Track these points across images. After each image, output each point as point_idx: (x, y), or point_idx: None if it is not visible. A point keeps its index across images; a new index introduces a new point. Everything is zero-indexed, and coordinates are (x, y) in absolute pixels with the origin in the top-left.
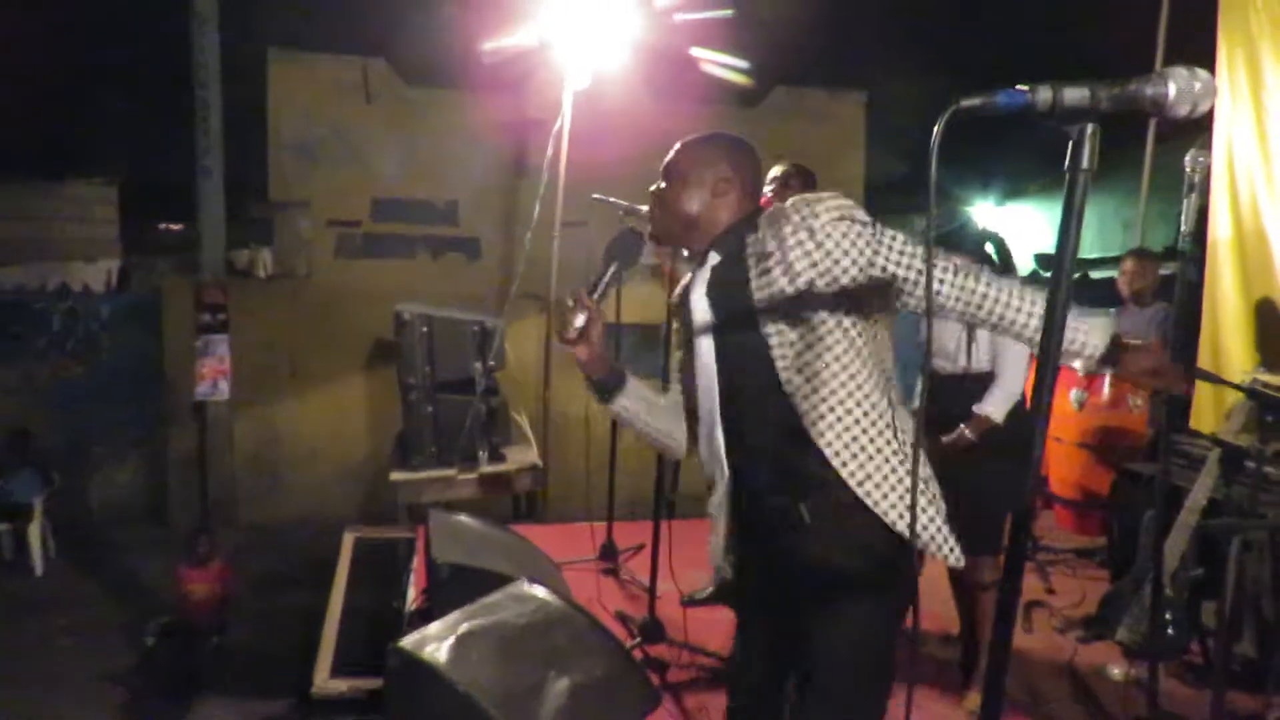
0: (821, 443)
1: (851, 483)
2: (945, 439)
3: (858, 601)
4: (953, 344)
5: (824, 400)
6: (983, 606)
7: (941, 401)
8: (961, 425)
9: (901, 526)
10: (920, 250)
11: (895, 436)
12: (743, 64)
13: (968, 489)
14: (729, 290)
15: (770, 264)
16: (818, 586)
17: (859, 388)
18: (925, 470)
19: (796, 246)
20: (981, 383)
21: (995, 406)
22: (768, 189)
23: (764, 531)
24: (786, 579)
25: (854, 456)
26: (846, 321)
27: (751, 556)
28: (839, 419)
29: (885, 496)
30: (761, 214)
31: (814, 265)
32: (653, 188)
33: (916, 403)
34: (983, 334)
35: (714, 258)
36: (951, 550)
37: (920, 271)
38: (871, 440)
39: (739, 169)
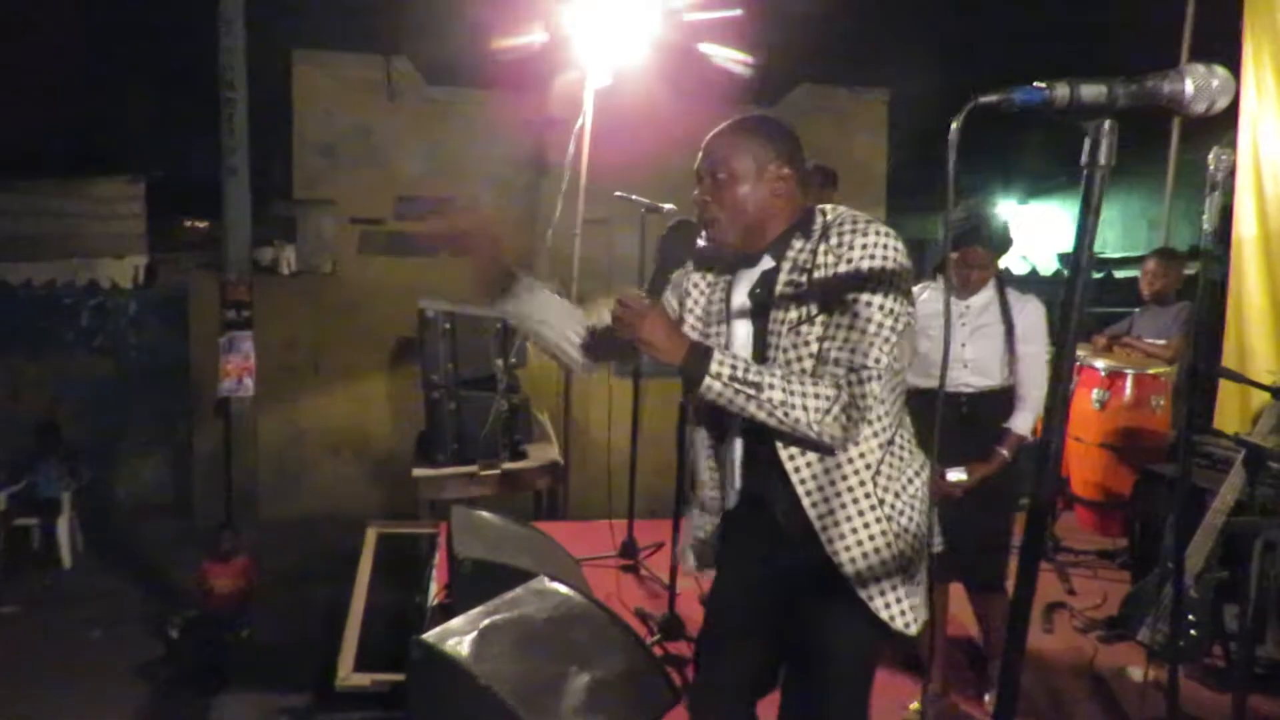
0: (789, 467)
1: (811, 515)
2: (979, 468)
3: (844, 604)
4: (996, 360)
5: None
6: (996, 610)
7: (982, 417)
8: (996, 448)
9: (848, 570)
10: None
11: (877, 483)
12: (764, 61)
13: (990, 530)
14: (769, 296)
15: (807, 279)
16: (806, 588)
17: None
18: (907, 519)
19: (849, 262)
20: (1005, 398)
21: (1027, 423)
22: None
23: (756, 532)
24: (775, 575)
25: (820, 489)
26: None
27: (740, 552)
28: (812, 451)
29: (842, 538)
30: (816, 218)
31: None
32: (697, 191)
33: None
34: (997, 348)
35: (767, 261)
36: (905, 621)
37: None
38: (845, 477)
39: (794, 158)
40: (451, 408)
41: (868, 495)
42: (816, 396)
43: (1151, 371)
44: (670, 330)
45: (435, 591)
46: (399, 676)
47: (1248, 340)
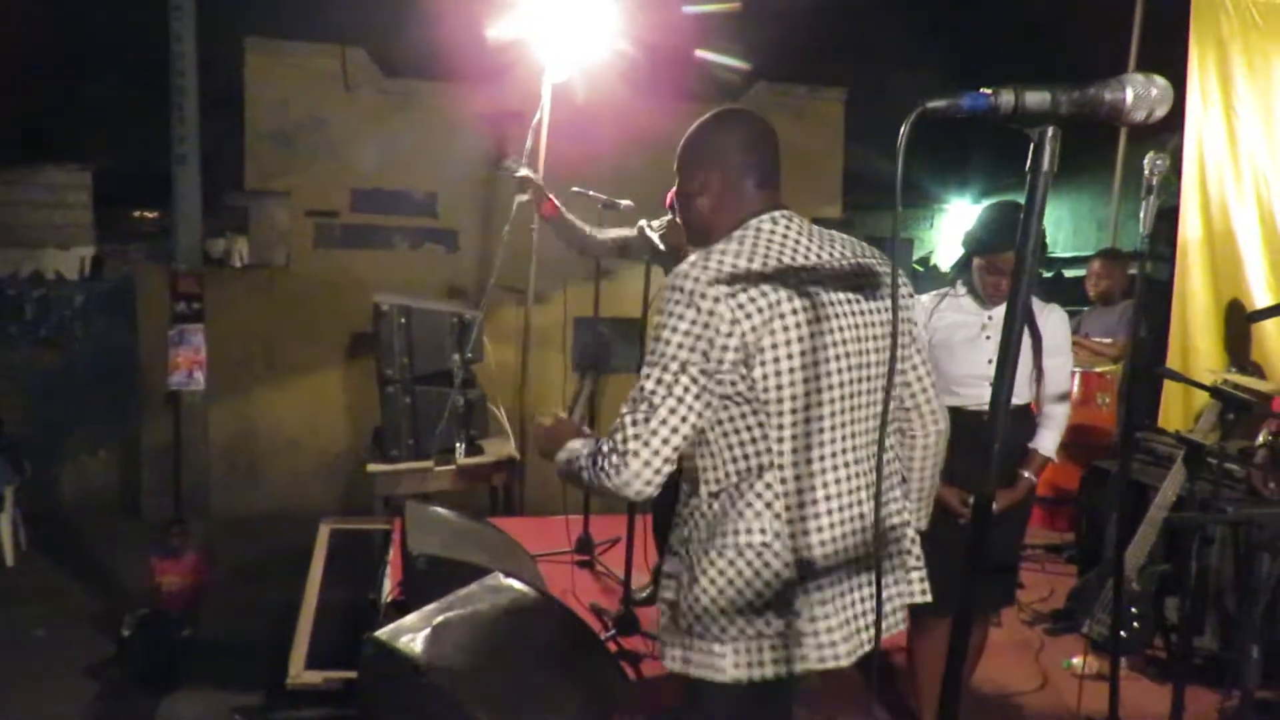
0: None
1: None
2: (1005, 494)
3: None
4: (1024, 375)
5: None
6: (976, 641)
7: (1007, 437)
8: (1022, 473)
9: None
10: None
11: (700, 520)
12: (723, 59)
13: (991, 553)
14: None
15: None
16: None
17: (703, 460)
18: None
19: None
20: (1017, 417)
21: (1054, 442)
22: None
23: None
24: None
25: (680, 512)
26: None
27: None
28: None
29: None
30: (744, 227)
31: None
32: (671, 191)
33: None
34: (1023, 363)
35: None
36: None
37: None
38: (685, 504)
39: (722, 161)
40: (407, 402)
41: (693, 533)
42: (587, 451)
43: (1098, 370)
44: (552, 435)
45: (389, 588)
46: (351, 674)
47: (1192, 339)
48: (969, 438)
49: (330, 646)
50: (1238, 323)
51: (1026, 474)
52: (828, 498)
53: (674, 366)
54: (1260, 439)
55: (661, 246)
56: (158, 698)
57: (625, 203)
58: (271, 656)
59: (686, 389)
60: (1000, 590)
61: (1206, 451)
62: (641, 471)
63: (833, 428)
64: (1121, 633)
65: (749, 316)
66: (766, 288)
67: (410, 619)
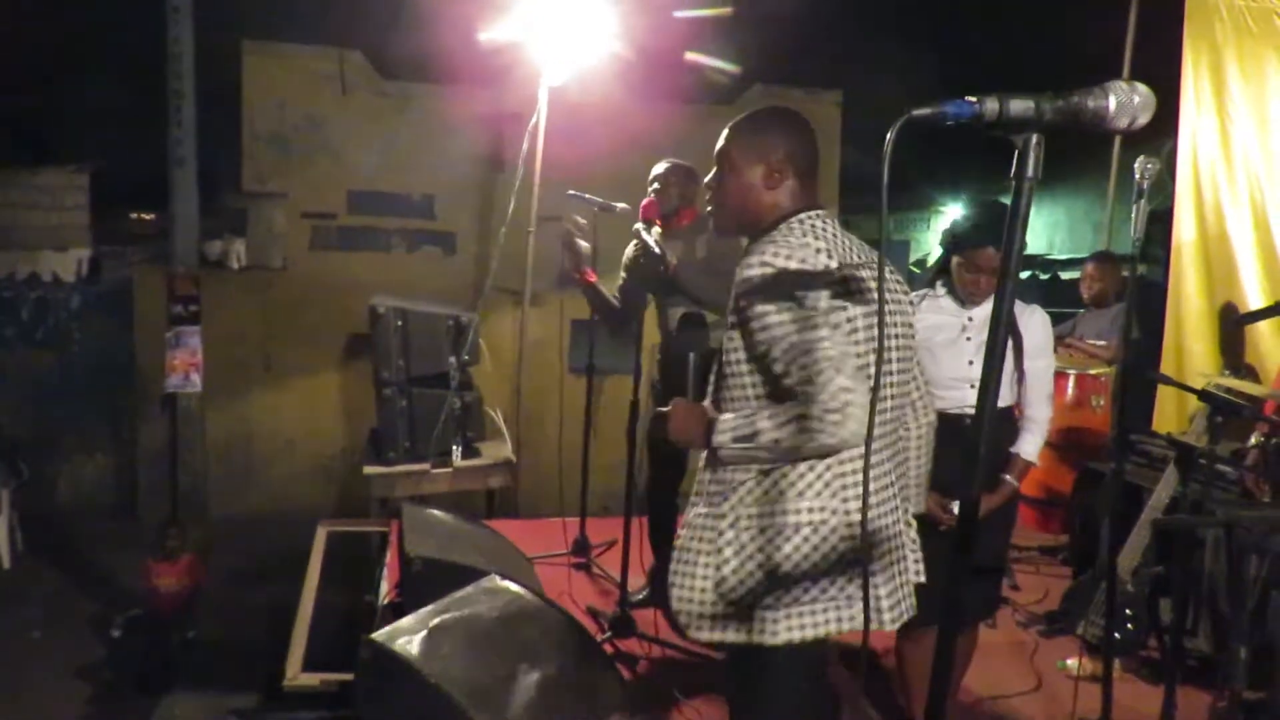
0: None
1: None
2: (987, 499)
3: None
4: (1005, 378)
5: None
6: (965, 650)
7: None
8: (1004, 477)
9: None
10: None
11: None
12: (719, 62)
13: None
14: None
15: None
16: None
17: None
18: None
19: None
20: (1000, 420)
21: (1037, 447)
22: (650, 190)
23: None
24: None
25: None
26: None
27: None
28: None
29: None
30: (779, 228)
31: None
32: (707, 178)
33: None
34: (1007, 365)
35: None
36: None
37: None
38: (722, 483)
39: (795, 156)
40: (404, 405)
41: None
42: (789, 414)
43: (1092, 372)
44: (689, 423)
45: (386, 590)
46: (348, 676)
47: (1186, 342)
48: (949, 441)
49: (327, 648)
50: (1230, 325)
51: (1008, 478)
52: (874, 478)
53: (841, 322)
54: (1252, 441)
55: (658, 250)
56: (154, 699)
57: (621, 205)
58: (268, 658)
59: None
60: (981, 597)
61: (1198, 454)
62: (862, 418)
63: (879, 411)
64: (1115, 634)
65: (851, 295)
66: (850, 274)
67: (407, 621)
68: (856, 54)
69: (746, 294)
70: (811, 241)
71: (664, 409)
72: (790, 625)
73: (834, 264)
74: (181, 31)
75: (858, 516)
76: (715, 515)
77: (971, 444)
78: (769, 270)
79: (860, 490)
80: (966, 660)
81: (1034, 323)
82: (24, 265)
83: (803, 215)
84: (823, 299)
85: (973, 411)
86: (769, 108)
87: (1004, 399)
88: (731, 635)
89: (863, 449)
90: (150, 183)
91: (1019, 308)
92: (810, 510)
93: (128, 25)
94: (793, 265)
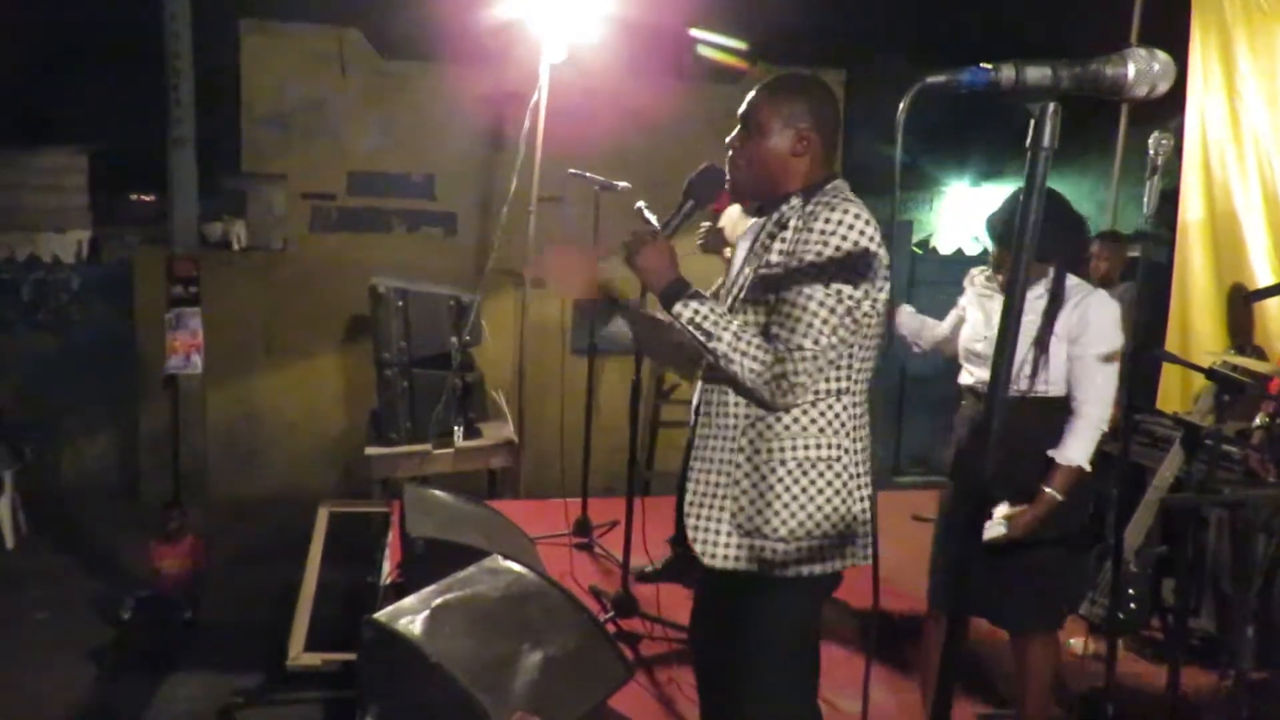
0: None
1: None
2: (1023, 514)
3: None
4: (1018, 358)
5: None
6: (1028, 661)
7: (1011, 432)
8: (1044, 488)
9: (698, 547)
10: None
11: (764, 457)
12: (722, 40)
13: (1025, 565)
14: (755, 252)
15: (776, 241)
16: None
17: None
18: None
19: (805, 241)
20: (1045, 411)
21: (1081, 449)
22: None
23: None
24: None
25: (707, 458)
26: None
27: None
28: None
29: (702, 511)
30: (825, 190)
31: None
32: (729, 137)
33: None
34: (1057, 350)
35: (764, 217)
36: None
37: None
38: (741, 419)
39: (823, 124)
40: (405, 386)
41: (747, 473)
42: (755, 359)
43: None
44: (663, 263)
45: (388, 571)
46: (351, 656)
47: (1192, 321)
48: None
49: (329, 629)
50: (1239, 305)
51: (1048, 490)
52: (870, 423)
53: (837, 323)
54: (1257, 421)
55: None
56: (158, 680)
57: (623, 184)
58: (271, 639)
59: (847, 343)
60: (1011, 609)
61: (1204, 433)
62: (796, 398)
63: (874, 366)
64: (1119, 614)
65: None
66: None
67: (409, 601)
68: (860, 33)
69: (824, 244)
70: (870, 225)
71: (637, 233)
72: (800, 558)
73: (883, 253)
74: (180, 11)
75: (862, 455)
76: (731, 450)
77: (983, 427)
78: (860, 240)
79: (864, 431)
80: (1039, 674)
81: (1090, 305)
82: (24, 247)
83: (834, 182)
84: (863, 290)
85: (1019, 394)
86: (798, 75)
87: (1021, 382)
88: (745, 565)
89: (857, 395)
90: (150, 164)
91: (1072, 290)
92: (830, 447)
93: (126, 6)
94: (873, 248)
